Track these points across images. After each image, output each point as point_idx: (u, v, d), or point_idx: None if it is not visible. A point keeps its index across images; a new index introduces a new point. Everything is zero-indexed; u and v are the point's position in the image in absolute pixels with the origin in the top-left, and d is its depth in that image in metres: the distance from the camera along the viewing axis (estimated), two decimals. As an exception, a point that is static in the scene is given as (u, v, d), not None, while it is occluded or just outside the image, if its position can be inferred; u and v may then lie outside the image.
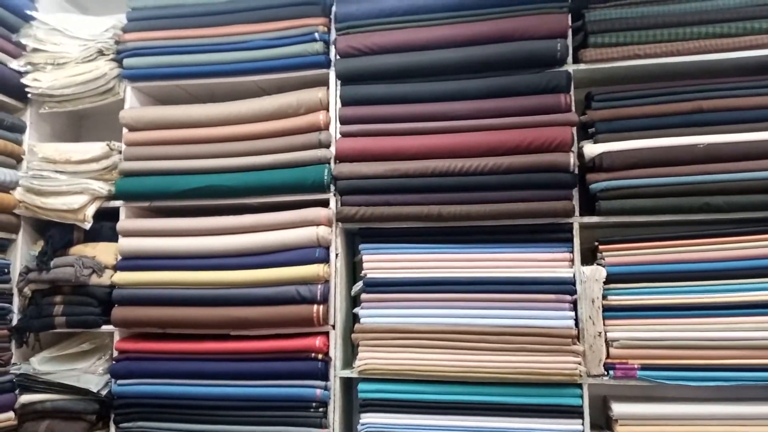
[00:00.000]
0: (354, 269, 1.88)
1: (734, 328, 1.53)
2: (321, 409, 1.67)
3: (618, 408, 1.57)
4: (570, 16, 1.70)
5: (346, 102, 1.78)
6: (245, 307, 1.72)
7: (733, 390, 1.54)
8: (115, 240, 1.86)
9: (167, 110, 1.91)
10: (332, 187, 1.76)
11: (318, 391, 1.66)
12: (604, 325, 1.59)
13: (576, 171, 1.65)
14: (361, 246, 1.77)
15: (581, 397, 1.58)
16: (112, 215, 1.88)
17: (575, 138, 1.66)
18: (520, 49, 1.67)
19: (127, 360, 1.78)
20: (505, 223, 1.67)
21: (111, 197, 1.88)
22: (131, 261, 1.83)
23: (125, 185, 1.86)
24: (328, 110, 1.79)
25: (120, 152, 1.91)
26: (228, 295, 1.73)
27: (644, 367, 1.56)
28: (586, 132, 1.73)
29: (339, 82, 1.80)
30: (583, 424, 1.57)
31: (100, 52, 1.91)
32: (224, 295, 1.73)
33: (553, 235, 1.67)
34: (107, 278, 1.83)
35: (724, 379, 1.52)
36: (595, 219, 1.64)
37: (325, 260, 1.73)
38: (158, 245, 1.81)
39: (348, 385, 1.79)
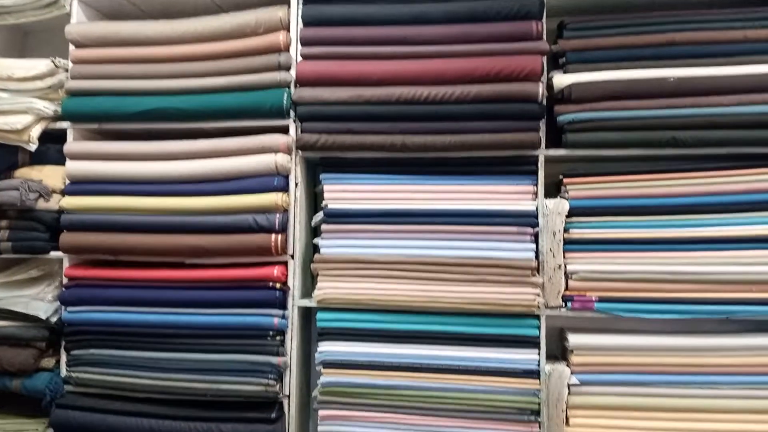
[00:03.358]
0: (315, 200, 1.83)
1: (691, 262, 1.54)
2: (278, 338, 1.66)
3: (574, 339, 1.59)
4: (545, -63, 1.62)
5: (307, 22, 1.69)
6: (200, 234, 1.66)
7: (688, 323, 1.57)
8: (62, 163, 1.76)
9: (117, 26, 1.78)
10: (292, 113, 1.68)
11: (275, 320, 1.64)
12: (564, 257, 1.59)
13: (544, 102, 1.60)
14: (322, 176, 1.72)
15: (538, 327, 1.59)
16: (58, 137, 1.78)
17: (545, 68, 1.61)
18: (492, -30, 1.59)
19: (78, 287, 1.72)
20: (470, 155, 1.63)
21: (57, 118, 1.78)
22: (80, 185, 1.74)
23: (72, 105, 1.76)
24: (288, 30, 1.69)
25: (66, 70, 1.79)
26: (182, 222, 1.67)
27: (602, 300, 1.57)
28: (556, 63, 1.67)
29: (300, 1, 1.69)
30: (539, 354, 1.58)
31: (42, -40, 1.76)
32: (179, 222, 1.67)
33: (518, 167, 1.64)
34: (55, 203, 1.75)
35: (679, 312, 1.54)
36: (561, 152, 1.61)
37: (284, 189, 1.67)
38: (108, 169, 1.73)
39: (306, 314, 1.78)
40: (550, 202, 1.60)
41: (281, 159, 1.65)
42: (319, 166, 1.74)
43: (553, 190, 1.69)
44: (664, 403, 1.53)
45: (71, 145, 1.76)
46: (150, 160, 1.72)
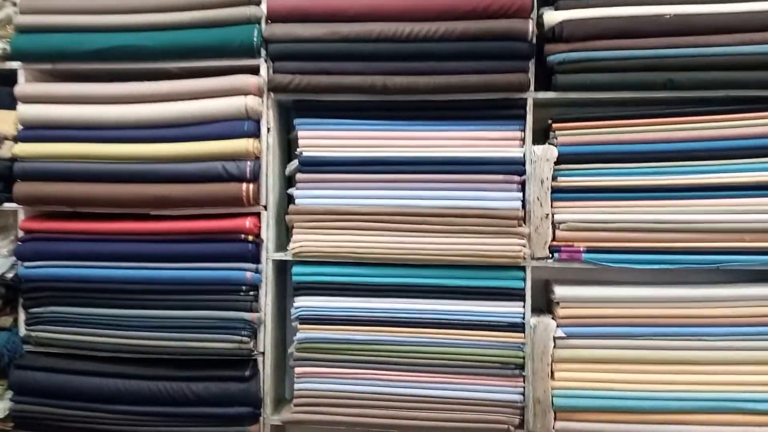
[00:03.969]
0: (288, 147, 1.72)
1: (682, 210, 1.48)
2: (252, 293, 1.57)
3: (560, 291, 1.52)
4: None
5: (279, -49, 1.55)
6: (166, 183, 1.55)
7: (677, 273, 1.51)
8: (14, 107, 1.61)
9: (69, -45, 1.62)
10: (263, 52, 1.55)
11: (248, 274, 1.55)
12: (551, 207, 1.52)
13: (534, 41, 1.50)
14: (296, 121, 1.61)
15: (524, 279, 1.52)
16: (8, 79, 1.63)
17: (535, 4, 1.50)
18: None
19: (35, 240, 1.61)
20: (454, 97, 1.53)
21: (6, 57, 1.62)
22: (34, 131, 1.61)
23: (23, 43, 1.60)
24: (258, -40, 1.55)
25: (15, 4, 1.63)
26: (146, 170, 1.56)
27: (590, 250, 1.50)
28: (546, -2, 1.57)
29: (271, -73, 1.56)
30: (524, 306, 1.52)
31: None
32: (142, 170, 1.56)
33: (505, 111, 1.54)
34: (7, 150, 1.62)
35: (669, 262, 1.48)
36: (550, 94, 1.52)
37: (255, 134, 1.56)
38: (65, 113, 1.59)
39: (281, 268, 1.69)
40: (538, 149, 1.51)
41: (252, 102, 1.53)
42: (293, 110, 1.63)
43: (541, 136, 1.61)
44: (653, 356, 1.49)
45: (23, 87, 1.62)
46: (110, 103, 1.58)
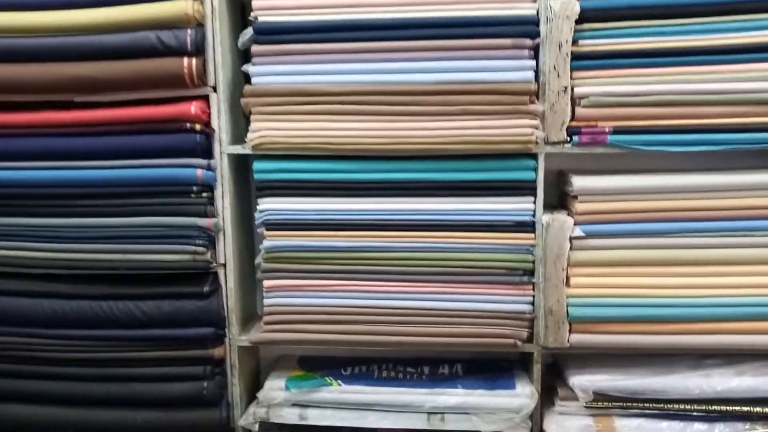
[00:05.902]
0: (241, 11, 1.38)
1: (731, 78, 1.20)
2: (205, 194, 1.31)
3: (578, 181, 1.26)
4: None
5: None
6: (88, 61, 1.24)
7: (718, 157, 1.25)
8: None
9: None
10: None
11: (199, 172, 1.28)
12: (571, 78, 1.22)
13: None
14: (247, -25, 1.27)
15: (535, 169, 1.26)
16: None
17: None
18: None
19: (-67, 139, 1.31)
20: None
21: None
22: None
23: None
24: None
25: None
26: (64, 45, 1.23)
27: (617, 131, 1.23)
28: None
29: None
30: (535, 202, 1.27)
31: None
32: (59, 45, 1.23)
33: (513, -45, 1.22)
34: None
35: (713, 142, 1.22)
36: (572, -71, 1.18)
37: (196, -6, 1.23)
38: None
39: (241, 164, 1.41)
40: (556, 3, 1.19)
41: (187, -51, 1.19)
42: (242, -38, 1.29)
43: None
44: (687, 256, 1.25)
45: None
46: (3, -43, 1.24)
